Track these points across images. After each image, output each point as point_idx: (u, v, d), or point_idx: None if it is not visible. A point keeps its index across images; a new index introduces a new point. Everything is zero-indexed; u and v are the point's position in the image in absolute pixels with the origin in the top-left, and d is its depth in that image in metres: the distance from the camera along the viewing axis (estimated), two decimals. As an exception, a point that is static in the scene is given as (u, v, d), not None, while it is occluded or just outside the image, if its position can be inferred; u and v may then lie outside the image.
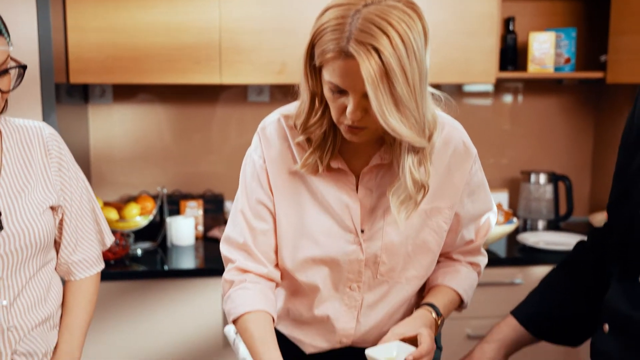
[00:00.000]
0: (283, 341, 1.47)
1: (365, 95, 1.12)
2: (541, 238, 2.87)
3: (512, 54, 2.97)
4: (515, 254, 2.74)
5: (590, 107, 3.24)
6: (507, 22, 2.99)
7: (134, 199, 2.81)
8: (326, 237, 1.32)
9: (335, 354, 1.44)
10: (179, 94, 2.96)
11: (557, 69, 2.88)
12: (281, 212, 1.34)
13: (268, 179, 1.35)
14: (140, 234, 2.76)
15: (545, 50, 2.83)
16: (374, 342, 1.31)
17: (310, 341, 1.43)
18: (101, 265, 1.58)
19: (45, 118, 2.27)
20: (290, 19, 2.59)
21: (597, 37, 3.01)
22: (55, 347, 1.46)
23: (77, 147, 2.68)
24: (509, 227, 2.80)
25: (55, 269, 1.50)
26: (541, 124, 3.23)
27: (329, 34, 1.12)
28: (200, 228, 2.89)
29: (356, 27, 1.08)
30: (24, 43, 2.19)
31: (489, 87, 3.17)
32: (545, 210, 3.05)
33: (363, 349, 1.28)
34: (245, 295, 1.32)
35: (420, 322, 1.31)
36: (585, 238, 1.38)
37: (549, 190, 3.05)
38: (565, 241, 2.82)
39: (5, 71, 1.29)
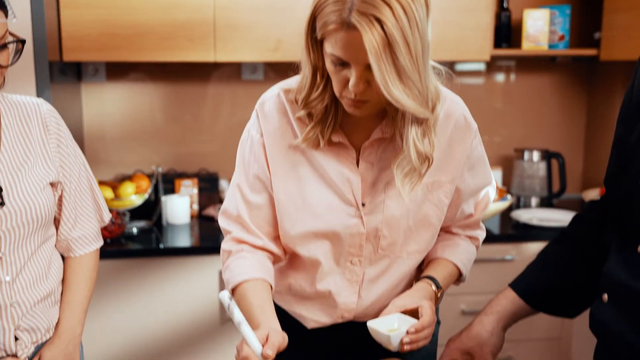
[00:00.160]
0: (284, 317, 1.48)
1: (367, 67, 1.12)
2: (534, 215, 2.90)
3: (506, 31, 2.97)
4: (509, 230, 2.77)
5: (583, 85, 3.25)
6: (502, -2, 2.99)
7: (128, 177, 2.81)
8: (327, 210, 1.33)
9: (336, 329, 1.45)
10: (173, 73, 2.95)
11: (551, 46, 2.89)
12: (280, 186, 1.35)
13: (265, 154, 1.35)
14: (136, 213, 2.76)
15: (540, 27, 2.83)
16: (376, 317, 1.33)
17: (312, 316, 1.44)
18: (100, 242, 1.58)
19: (39, 96, 2.25)
20: (285, -5, 2.57)
21: (591, 14, 3.01)
22: (57, 323, 1.47)
23: (70, 125, 2.63)
24: (503, 204, 2.83)
25: (55, 245, 1.50)
26: (534, 101, 3.24)
27: (330, 5, 1.11)
28: (196, 207, 2.90)
29: None
30: (17, 20, 2.16)
31: (481, 66, 3.17)
32: (539, 187, 3.07)
33: (364, 324, 1.30)
34: (243, 264, 1.34)
35: (420, 295, 1.32)
36: (580, 213, 1.39)
37: (542, 167, 3.07)
38: (558, 218, 2.84)
39: (4, 45, 1.28)
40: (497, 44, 2.94)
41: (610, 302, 1.10)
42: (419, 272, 1.45)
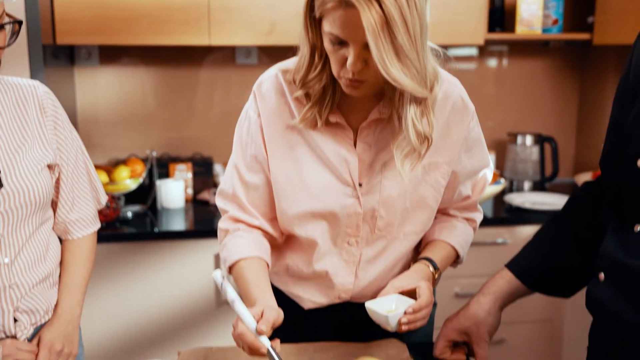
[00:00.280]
0: (281, 297, 1.49)
1: (365, 46, 1.13)
2: (527, 198, 2.92)
3: (500, 15, 2.97)
4: (502, 214, 2.79)
5: (575, 69, 3.26)
6: (495, -18, 2.99)
7: (122, 162, 2.80)
8: (324, 190, 1.33)
9: (333, 310, 1.46)
10: (166, 57, 2.94)
11: (544, 30, 2.89)
12: (277, 167, 1.35)
13: (262, 135, 1.36)
14: (130, 197, 2.76)
15: (533, 11, 2.83)
16: (372, 297, 1.34)
17: (309, 297, 1.45)
18: (97, 225, 1.58)
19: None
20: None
21: (584, -2, 3.03)
22: (56, 305, 1.47)
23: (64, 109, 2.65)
24: (496, 188, 2.84)
25: (53, 228, 1.50)
26: (527, 86, 3.25)
27: None
28: (190, 191, 2.90)
29: None
30: (9, 2, 2.15)
31: (473, 51, 3.17)
32: (531, 171, 3.09)
33: (361, 304, 1.31)
34: (239, 243, 1.36)
35: (418, 276, 1.33)
36: (575, 195, 1.40)
37: (535, 151, 3.08)
38: (551, 201, 2.86)
39: (1, 26, 1.27)
40: (491, 28, 2.94)
41: (606, 281, 1.11)
42: (416, 254, 1.46)
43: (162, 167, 2.87)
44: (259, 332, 1.14)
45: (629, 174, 1.10)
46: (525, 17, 2.84)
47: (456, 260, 1.48)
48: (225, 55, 2.97)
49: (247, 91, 2.72)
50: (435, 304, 1.59)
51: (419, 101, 1.21)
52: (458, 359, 1.38)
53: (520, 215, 2.74)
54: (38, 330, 1.43)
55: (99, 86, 2.92)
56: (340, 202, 1.34)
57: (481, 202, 2.75)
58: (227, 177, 1.42)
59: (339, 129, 1.33)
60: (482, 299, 1.36)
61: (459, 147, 1.36)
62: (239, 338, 1.16)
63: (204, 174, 2.93)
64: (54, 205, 1.49)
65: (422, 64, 1.15)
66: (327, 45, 1.19)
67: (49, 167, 1.42)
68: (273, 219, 1.41)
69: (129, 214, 2.64)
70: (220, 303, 2.50)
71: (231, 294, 1.17)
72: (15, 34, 1.32)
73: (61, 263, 1.51)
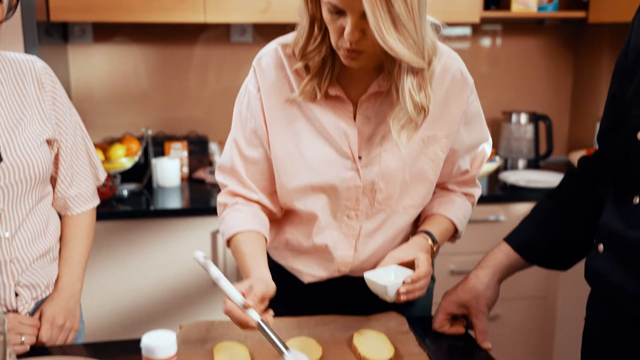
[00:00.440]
0: (281, 272, 1.50)
1: (363, 16, 1.13)
2: (521, 176, 2.93)
3: (495, -7, 2.96)
4: (497, 192, 2.80)
5: (570, 48, 3.27)
6: (491, -40, 2.97)
7: (117, 140, 2.80)
8: (324, 164, 1.34)
9: (333, 283, 1.47)
10: (161, 35, 2.92)
11: (540, 8, 2.89)
12: (277, 140, 1.36)
13: (262, 109, 1.36)
14: (126, 176, 2.75)
15: (529, -11, 2.83)
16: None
17: (309, 270, 1.46)
18: (97, 201, 1.59)
19: (28, 57, 2.22)
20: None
21: (579, -25, 3.02)
22: (57, 280, 1.48)
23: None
24: (491, 166, 2.86)
25: (53, 204, 1.50)
26: (521, 65, 3.25)
27: None
28: (186, 169, 2.89)
29: None
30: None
31: (467, 31, 3.17)
32: (526, 149, 3.10)
33: (361, 278, 1.31)
34: (237, 216, 1.37)
35: (417, 248, 1.35)
36: (573, 169, 1.41)
37: (529, 130, 3.09)
38: (545, 179, 2.88)
39: (-1, 0, 1.26)
40: (486, 6, 2.93)
41: (605, 252, 1.12)
42: (415, 228, 1.47)
43: (157, 145, 2.86)
44: (245, 307, 1.14)
45: (629, 147, 1.11)
46: (521, -6, 2.83)
47: (454, 234, 1.49)
48: (220, 34, 2.96)
49: (242, 70, 2.70)
50: (433, 279, 1.60)
51: (415, 72, 1.21)
52: (457, 332, 1.39)
53: (515, 193, 2.76)
54: (39, 305, 1.44)
55: (93, 64, 2.90)
56: (339, 175, 1.34)
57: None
58: (226, 152, 1.42)
59: (339, 102, 1.33)
60: (480, 273, 1.37)
61: (457, 121, 1.37)
62: (228, 315, 1.16)
63: (200, 153, 2.93)
64: (53, 181, 1.49)
65: (420, 36, 1.16)
66: (325, 15, 1.19)
67: (48, 142, 1.42)
68: (272, 194, 1.41)
69: (125, 193, 2.64)
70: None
71: (214, 272, 1.18)
72: (12, 8, 1.31)
73: (61, 239, 1.51)
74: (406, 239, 1.47)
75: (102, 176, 1.60)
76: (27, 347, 1.35)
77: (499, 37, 3.21)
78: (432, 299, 1.60)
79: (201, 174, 2.87)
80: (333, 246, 1.41)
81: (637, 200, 1.08)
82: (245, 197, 1.40)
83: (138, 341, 1.33)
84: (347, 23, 1.16)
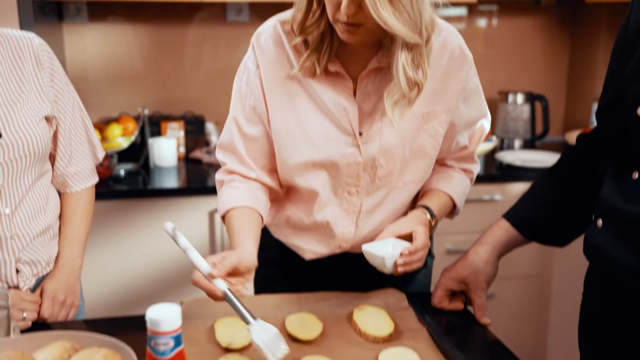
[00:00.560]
0: (282, 249, 1.51)
1: None
2: (518, 156, 2.94)
3: (493, -28, 2.95)
4: (493, 171, 2.81)
5: (566, 27, 3.26)
6: (488, -61, 2.96)
7: (113, 120, 2.79)
8: (324, 140, 1.34)
9: (334, 260, 1.48)
10: (156, 13, 2.90)
11: (537, -13, 2.88)
12: (277, 117, 1.36)
13: (262, 86, 1.36)
14: (122, 155, 2.74)
15: (526, -32, 2.82)
16: None
17: (310, 247, 1.47)
18: (95, 178, 1.59)
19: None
20: None
21: (577, -46, 3.01)
22: (57, 257, 1.48)
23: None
24: (488, 146, 2.87)
25: (52, 181, 1.50)
26: (518, 45, 3.25)
27: None
28: (182, 149, 2.89)
29: None
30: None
31: (463, 11, 3.16)
32: (522, 129, 3.11)
33: (361, 254, 1.32)
34: (232, 193, 1.37)
35: (415, 221, 1.35)
36: (571, 146, 1.42)
37: (525, 109, 3.10)
38: (541, 159, 2.89)
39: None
40: (484, -16, 2.92)
41: (604, 227, 1.13)
42: (415, 205, 1.48)
43: (153, 125, 2.85)
44: (211, 276, 1.13)
45: (628, 123, 1.12)
46: (518, -27, 2.82)
47: (453, 210, 1.50)
48: (216, 13, 2.94)
49: (238, 49, 2.69)
50: (432, 255, 1.61)
51: (411, 48, 1.21)
52: (456, 308, 1.41)
53: (511, 173, 2.77)
54: (40, 282, 1.44)
55: (88, 43, 2.88)
56: (340, 152, 1.34)
57: (473, 159, 2.77)
58: (226, 130, 1.42)
59: (339, 78, 1.33)
60: (479, 249, 1.38)
61: (457, 96, 1.37)
62: (196, 285, 1.16)
63: (196, 133, 2.92)
64: (52, 158, 1.49)
65: (416, 10, 1.15)
66: None
67: (47, 119, 1.41)
68: (272, 171, 1.41)
69: (122, 172, 2.63)
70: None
71: (183, 243, 1.17)
72: None
73: (61, 216, 1.52)
74: (406, 214, 1.48)
75: (101, 154, 1.60)
76: (29, 323, 1.35)
77: (495, 17, 3.20)
78: (431, 276, 1.61)
79: (198, 153, 2.86)
80: (334, 223, 1.42)
81: (636, 176, 1.09)
82: (243, 175, 1.40)
83: (138, 317, 1.35)
84: None
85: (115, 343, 0.90)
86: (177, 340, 0.82)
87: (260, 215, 1.37)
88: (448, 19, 2.97)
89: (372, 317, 1.31)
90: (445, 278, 1.40)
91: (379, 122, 1.33)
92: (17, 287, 1.39)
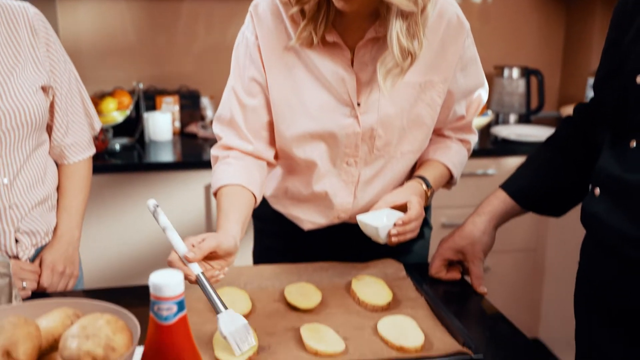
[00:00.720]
0: (281, 220, 1.51)
1: None
2: (513, 131, 2.95)
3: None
4: (489, 146, 2.82)
5: (562, 2, 3.26)
6: None
7: (108, 94, 2.77)
8: (322, 111, 1.34)
9: (332, 230, 1.48)
10: (150, -14, 2.88)
11: (533, -40, 2.87)
12: (275, 88, 1.35)
13: (260, 56, 1.35)
14: (118, 130, 2.74)
15: (523, -59, 2.81)
16: None
17: (308, 218, 1.47)
18: (92, 150, 1.58)
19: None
20: None
21: None
22: (55, 228, 1.49)
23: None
24: (483, 120, 2.87)
25: (49, 153, 1.50)
26: (513, 19, 3.24)
27: None
28: (177, 124, 2.88)
29: None
30: None
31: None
32: (517, 104, 3.11)
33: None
34: (226, 170, 1.34)
35: (410, 191, 1.36)
36: (569, 116, 1.42)
37: (521, 84, 3.10)
38: (536, 133, 2.90)
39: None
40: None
41: (602, 195, 1.14)
42: (412, 175, 1.48)
43: (148, 99, 2.84)
44: (186, 259, 1.10)
45: (627, 92, 1.12)
46: (515, -54, 2.81)
47: (450, 180, 1.50)
48: (211, -14, 2.92)
49: (232, 24, 2.67)
50: (430, 227, 1.62)
51: (406, 16, 1.20)
52: (453, 278, 1.42)
53: (506, 147, 2.78)
54: (39, 252, 1.45)
55: (81, 17, 2.86)
56: (338, 122, 1.34)
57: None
58: (224, 102, 1.40)
59: (336, 48, 1.32)
60: (477, 219, 1.39)
61: (454, 66, 1.36)
62: (170, 266, 1.12)
63: (191, 107, 2.91)
64: (49, 129, 1.48)
65: None
66: None
67: (43, 89, 1.41)
68: (271, 142, 1.41)
69: (117, 147, 2.63)
70: (211, 232, 2.52)
71: (163, 222, 1.13)
72: None
73: (58, 188, 1.52)
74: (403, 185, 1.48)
75: (97, 125, 1.60)
76: (29, 293, 1.36)
77: (490, -8, 3.19)
78: (429, 248, 1.62)
79: (193, 128, 2.86)
80: (333, 193, 1.42)
81: (634, 144, 1.09)
82: (239, 150, 1.38)
83: (136, 288, 1.36)
84: None
85: (118, 309, 0.90)
86: (181, 306, 0.82)
87: (253, 195, 1.33)
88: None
89: (371, 286, 1.32)
90: (442, 248, 1.41)
91: (377, 93, 1.33)
92: (16, 257, 1.39)
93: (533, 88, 3.17)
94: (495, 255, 2.77)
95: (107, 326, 0.82)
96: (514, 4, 3.21)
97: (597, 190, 1.15)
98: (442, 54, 1.34)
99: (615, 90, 1.17)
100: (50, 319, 0.90)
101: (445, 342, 1.13)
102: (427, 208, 1.58)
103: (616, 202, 1.11)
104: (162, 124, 2.73)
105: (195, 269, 1.09)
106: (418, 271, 1.42)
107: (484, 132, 2.97)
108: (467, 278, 1.42)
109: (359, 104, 1.34)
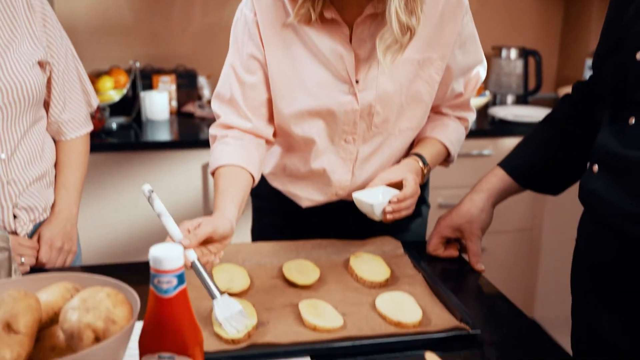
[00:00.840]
0: (279, 197, 1.51)
1: None
2: (510, 111, 2.95)
3: None
4: (486, 126, 2.82)
5: (561, -18, 3.25)
6: None
7: (104, 73, 2.76)
8: (321, 88, 1.33)
9: (330, 207, 1.49)
10: (147, -36, 2.85)
11: (533, -60, 2.85)
12: (274, 65, 1.35)
13: (259, 33, 1.34)
14: (114, 109, 2.73)
15: None
16: None
17: (307, 195, 1.47)
18: (90, 126, 1.58)
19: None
20: None
21: None
22: (53, 204, 1.49)
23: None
24: (481, 101, 2.87)
25: (47, 129, 1.49)
26: (511, 0, 3.22)
27: None
28: (174, 103, 2.87)
29: None
30: None
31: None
32: (515, 85, 3.11)
33: (357, 201, 1.33)
34: (224, 150, 1.34)
35: (406, 169, 1.36)
36: (568, 93, 1.42)
37: (519, 65, 3.09)
38: (533, 114, 2.90)
39: None
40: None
41: (600, 172, 1.14)
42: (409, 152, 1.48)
43: (145, 79, 2.83)
44: (183, 245, 1.08)
45: (626, 69, 1.12)
46: None
47: (447, 158, 1.50)
48: (208, -36, 2.90)
49: (229, 3, 2.65)
50: (428, 205, 1.62)
51: None
52: (451, 255, 1.42)
53: (504, 128, 2.78)
54: (37, 228, 1.45)
55: (78, -5, 2.84)
56: (337, 99, 1.34)
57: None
58: (223, 79, 1.39)
59: (334, 25, 1.32)
60: (475, 197, 1.39)
61: (452, 43, 1.36)
62: None
63: (188, 87, 2.90)
64: (47, 105, 1.48)
65: None
66: None
67: (40, 64, 1.40)
68: (270, 119, 1.41)
69: (114, 126, 2.62)
70: (208, 211, 2.52)
71: (158, 207, 1.12)
72: None
73: (56, 165, 1.51)
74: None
75: (95, 102, 1.59)
76: (27, 268, 1.36)
77: (489, -29, 3.18)
78: (427, 226, 1.63)
79: (190, 107, 2.85)
80: (331, 170, 1.42)
81: (633, 121, 1.09)
82: (238, 128, 1.38)
83: (134, 264, 1.36)
84: None
85: (117, 283, 0.90)
86: (181, 279, 0.83)
87: (251, 175, 1.33)
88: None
89: (369, 263, 1.33)
90: (440, 226, 1.41)
91: (375, 70, 1.33)
92: (14, 233, 1.39)
93: (531, 69, 3.17)
94: (491, 235, 2.78)
95: (108, 299, 0.83)
96: (513, -16, 3.20)
97: (596, 167, 1.15)
98: (440, 31, 1.34)
99: (615, 67, 1.17)
100: (50, 292, 0.90)
101: (443, 318, 1.14)
102: (424, 186, 1.58)
103: (615, 178, 1.11)
104: (159, 103, 2.72)
105: (191, 255, 1.08)
106: (416, 249, 1.43)
107: (482, 112, 2.96)
108: (465, 256, 1.42)
109: (357, 81, 1.33)
